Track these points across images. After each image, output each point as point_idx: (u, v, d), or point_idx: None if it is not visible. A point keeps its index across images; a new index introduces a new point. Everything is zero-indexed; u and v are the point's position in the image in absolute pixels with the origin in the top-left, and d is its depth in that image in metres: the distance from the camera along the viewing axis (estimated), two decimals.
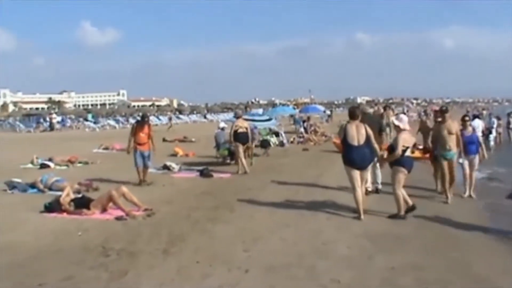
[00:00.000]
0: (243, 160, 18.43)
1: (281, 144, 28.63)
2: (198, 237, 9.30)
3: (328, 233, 9.42)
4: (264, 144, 24.59)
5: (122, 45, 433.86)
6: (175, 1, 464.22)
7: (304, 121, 37.60)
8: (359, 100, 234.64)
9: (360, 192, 10.80)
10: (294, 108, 53.02)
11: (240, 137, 18.54)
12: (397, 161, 10.79)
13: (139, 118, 18.32)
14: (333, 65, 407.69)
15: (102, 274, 7.31)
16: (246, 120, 20.62)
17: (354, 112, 11.19)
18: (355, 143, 10.70)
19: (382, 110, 20.28)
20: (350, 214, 10.91)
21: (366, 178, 11.53)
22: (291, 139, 30.99)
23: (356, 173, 10.77)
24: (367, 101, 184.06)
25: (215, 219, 10.67)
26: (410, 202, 10.86)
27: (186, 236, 9.34)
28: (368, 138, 10.76)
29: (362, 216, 10.62)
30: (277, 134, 29.23)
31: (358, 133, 10.73)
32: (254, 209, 11.69)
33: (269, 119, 21.72)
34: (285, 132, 30.82)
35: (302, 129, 35.49)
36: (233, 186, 14.84)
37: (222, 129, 22.40)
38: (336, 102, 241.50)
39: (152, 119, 58.22)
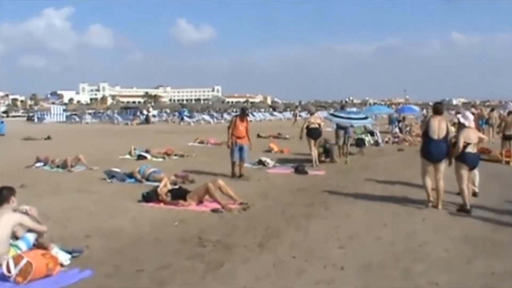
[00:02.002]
0: (315, 153, 19.19)
1: (376, 143, 28.29)
2: (294, 233, 9.26)
3: (425, 235, 9.19)
4: (359, 143, 24.33)
5: (217, 42, 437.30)
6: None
7: (399, 121, 37.08)
8: (454, 102, 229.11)
9: (429, 182, 11.48)
10: (389, 108, 52.34)
11: (312, 132, 19.31)
12: (458, 157, 11.18)
13: (238, 112, 18.44)
14: (428, 65, 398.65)
15: (199, 264, 7.39)
16: (343, 118, 20.54)
17: (438, 108, 11.84)
18: (435, 137, 11.19)
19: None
20: (447, 216, 10.69)
21: (441, 172, 11.53)
22: (386, 139, 30.57)
23: (430, 166, 11.42)
24: (463, 103, 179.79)
25: (310, 216, 10.61)
26: (468, 204, 11.11)
27: (282, 231, 9.33)
28: (447, 133, 11.25)
29: (430, 204, 11.43)
30: (372, 133, 28.91)
31: (439, 127, 11.18)
32: (349, 207, 11.57)
33: (366, 118, 21.46)
34: (379, 132, 30.46)
35: (397, 129, 35.00)
36: (328, 184, 14.72)
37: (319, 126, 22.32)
38: (431, 103, 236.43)
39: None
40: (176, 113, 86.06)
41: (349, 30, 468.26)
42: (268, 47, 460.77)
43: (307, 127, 19.43)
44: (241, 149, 16.06)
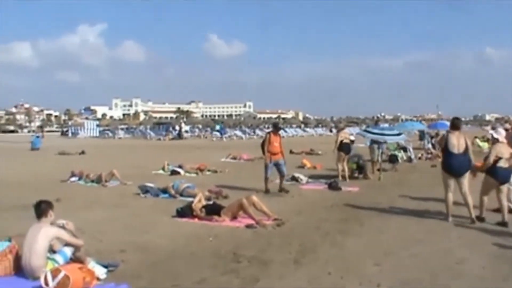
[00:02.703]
0: (345, 167, 19.72)
1: (409, 159, 28.08)
2: (329, 249, 9.20)
3: (461, 252, 9.07)
4: (392, 159, 24.21)
5: (248, 58, 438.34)
6: (300, 15, 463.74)
7: (432, 137, 36.80)
8: (487, 117, 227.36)
9: (451, 197, 11.63)
10: (422, 124, 51.96)
11: (344, 147, 19.81)
12: (489, 171, 11.46)
13: (270, 129, 18.47)
14: (460, 80, 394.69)
15: (234, 280, 7.38)
16: (376, 134, 20.48)
17: (456, 123, 11.94)
18: (455, 151, 11.41)
19: None
20: (483, 232, 10.54)
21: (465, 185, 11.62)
22: (419, 155, 30.34)
23: (452, 180, 11.57)
24: (496, 118, 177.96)
25: (345, 232, 10.55)
26: (483, 214, 11.62)
27: (317, 247, 9.28)
28: (466, 147, 11.45)
29: (450, 219, 11.55)
30: (405, 150, 28.71)
31: (458, 142, 11.43)
32: (383, 223, 11.49)
33: (399, 134, 21.32)
34: (412, 148, 30.24)
35: (429, 145, 34.77)
36: (362, 200, 14.63)
37: (351, 142, 22.23)
38: (463, 119, 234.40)
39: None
40: (209, 129, 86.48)
41: (380, 45, 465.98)
42: (299, 63, 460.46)
43: (341, 142, 19.77)
44: (276, 164, 16.15)
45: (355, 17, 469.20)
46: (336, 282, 7.26)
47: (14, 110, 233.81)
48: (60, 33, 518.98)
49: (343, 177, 19.04)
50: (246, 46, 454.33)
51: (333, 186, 16.95)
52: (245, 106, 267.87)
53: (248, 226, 10.81)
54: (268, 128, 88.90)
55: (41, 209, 7.82)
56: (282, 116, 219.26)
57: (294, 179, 18.61)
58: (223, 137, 67.53)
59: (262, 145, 16.56)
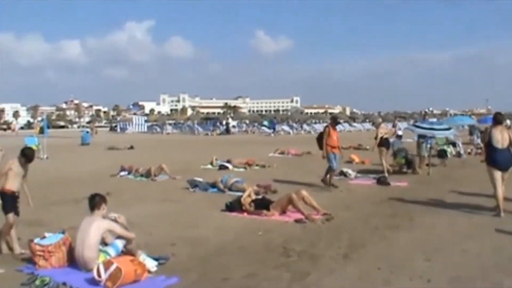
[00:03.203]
0: (385, 163, 19.13)
1: (458, 154, 27.67)
2: (378, 244, 9.16)
3: None
4: (441, 154, 23.90)
5: (295, 53, 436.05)
6: (347, 9, 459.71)
7: (481, 132, 36.20)
8: None
9: (500, 191, 11.55)
10: (471, 118, 51.22)
11: (385, 142, 19.52)
12: None
13: (329, 122, 18.31)
14: (510, 74, 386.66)
15: (284, 274, 7.38)
16: (425, 128, 20.29)
17: (499, 118, 11.99)
18: (499, 146, 11.47)
19: None
20: None
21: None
22: (468, 150, 29.90)
23: (498, 174, 11.60)
24: None
25: (394, 227, 10.48)
26: None
27: (366, 242, 9.24)
28: (510, 142, 11.47)
29: (502, 214, 11.39)
30: (454, 145, 28.31)
31: (502, 137, 11.49)
32: (433, 219, 11.33)
33: (449, 129, 21.01)
34: (461, 143, 29.81)
35: (479, 140, 34.25)
36: (411, 195, 14.48)
37: (399, 137, 22.08)
38: None
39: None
40: (256, 124, 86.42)
41: (428, 39, 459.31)
42: (346, 57, 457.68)
43: (381, 137, 19.51)
44: (336, 158, 16.14)
45: (401, 11, 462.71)
46: (386, 278, 7.21)
47: (64, 106, 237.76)
48: (108, 31, 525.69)
49: (388, 172, 18.88)
50: (293, 42, 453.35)
51: (381, 181, 16.84)
52: (292, 101, 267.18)
53: (297, 221, 10.81)
54: (315, 123, 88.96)
55: (95, 202, 7.98)
56: (329, 111, 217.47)
57: (342, 174, 18.51)
58: (273, 133, 67.43)
59: (319, 139, 16.47)
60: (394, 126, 24.86)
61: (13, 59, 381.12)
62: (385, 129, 20.45)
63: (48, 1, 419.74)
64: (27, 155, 9.06)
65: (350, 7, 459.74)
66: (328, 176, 16.09)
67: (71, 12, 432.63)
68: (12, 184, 8.79)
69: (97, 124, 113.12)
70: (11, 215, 8.73)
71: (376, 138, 19.59)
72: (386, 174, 18.25)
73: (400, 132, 23.20)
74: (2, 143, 8.33)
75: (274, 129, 70.51)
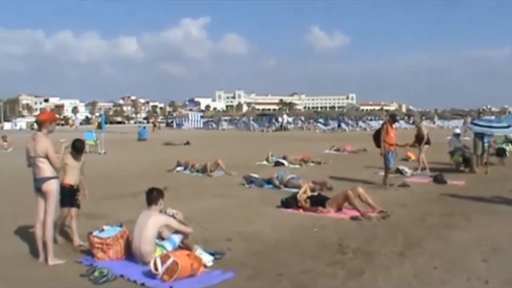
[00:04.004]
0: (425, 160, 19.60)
1: None
2: (434, 242, 9.05)
3: None
4: (500, 152, 23.44)
5: (350, 49, 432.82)
6: (402, 5, 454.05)
7: None
8: None
9: None
10: None
11: (428, 140, 19.85)
12: None
13: (387, 118, 18.14)
14: None
15: (339, 271, 7.37)
16: (483, 126, 20.01)
17: None
18: None
19: None
20: None
21: None
22: None
23: None
24: None
25: (451, 226, 10.35)
26: None
27: (422, 240, 9.15)
28: None
29: None
30: None
31: None
32: (491, 218, 11.13)
33: (508, 126, 20.58)
34: None
35: None
36: (468, 194, 14.25)
37: (457, 135, 21.76)
38: None
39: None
40: (312, 121, 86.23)
41: (485, 34, 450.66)
42: (402, 54, 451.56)
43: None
44: (393, 156, 16.04)
45: (458, 7, 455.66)
46: (442, 277, 7.14)
47: (121, 102, 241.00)
48: (164, 27, 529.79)
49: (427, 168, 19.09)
50: (348, 38, 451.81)
51: (438, 179, 16.63)
52: (347, 98, 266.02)
53: (353, 218, 10.78)
54: (371, 120, 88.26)
55: (153, 196, 8.11)
56: (385, 108, 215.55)
57: (398, 171, 18.35)
58: (326, 129, 67.24)
59: (376, 136, 16.28)
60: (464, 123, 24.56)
61: (72, 56, 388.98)
62: (427, 128, 20.40)
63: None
64: (76, 147, 9.32)
65: (407, 2, 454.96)
66: (387, 173, 15.95)
67: (127, 9, 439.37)
68: (70, 178, 9.02)
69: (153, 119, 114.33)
70: (65, 209, 9.00)
71: (420, 137, 19.47)
72: (428, 171, 18.43)
73: (458, 131, 22.75)
74: (65, 137, 8.51)
75: (339, 125, 70.23)
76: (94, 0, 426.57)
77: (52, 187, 8.07)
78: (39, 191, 8.13)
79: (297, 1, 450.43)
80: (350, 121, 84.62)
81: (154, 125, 70.57)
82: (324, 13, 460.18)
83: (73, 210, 9.14)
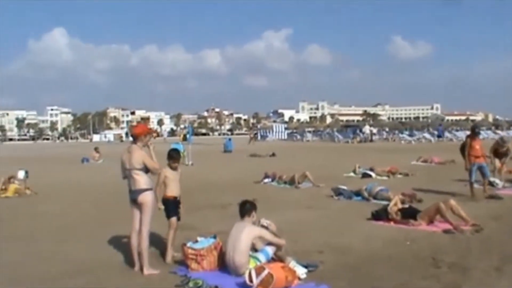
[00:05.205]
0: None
1: None
2: None
3: None
4: None
5: (434, 58, 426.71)
6: (482, 12, 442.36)
7: None
8: None
9: None
10: None
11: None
12: None
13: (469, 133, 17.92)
14: None
15: (435, 285, 7.26)
16: None
17: None
18: None
19: None
20: None
21: None
22: None
23: None
24: None
25: None
26: None
27: None
28: None
29: None
30: None
31: None
32: None
33: None
34: None
35: None
36: None
37: None
38: None
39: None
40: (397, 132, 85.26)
41: None
42: (489, 61, 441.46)
43: None
44: (480, 168, 15.76)
45: None
46: None
47: (205, 114, 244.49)
48: (247, 40, 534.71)
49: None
50: (431, 46, 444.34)
51: None
52: (432, 108, 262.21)
53: (446, 231, 10.57)
54: (457, 131, 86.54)
55: (246, 208, 8.22)
56: (471, 118, 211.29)
57: (489, 183, 17.94)
58: (411, 140, 66.41)
59: (462, 149, 16.19)
60: None
61: (157, 69, 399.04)
62: None
63: (189, 13, 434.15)
64: (172, 156, 9.46)
65: (491, 8, 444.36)
66: (472, 187, 15.69)
67: (210, 23, 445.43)
68: (172, 190, 9.19)
69: (237, 131, 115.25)
70: (174, 219, 9.14)
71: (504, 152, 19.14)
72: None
73: None
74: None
75: (440, 136, 68.83)
76: (179, 14, 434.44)
77: (147, 199, 8.27)
78: (134, 202, 8.35)
79: (377, 11, 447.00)
80: (435, 132, 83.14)
81: (251, 138, 71.63)
82: (405, 22, 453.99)
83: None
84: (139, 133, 8.54)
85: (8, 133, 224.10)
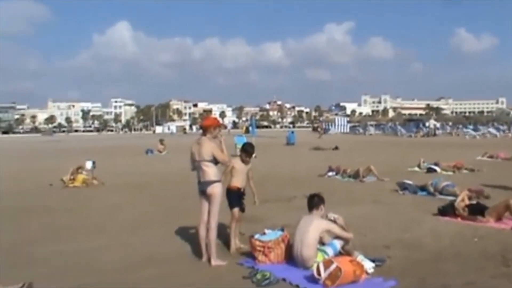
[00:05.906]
0: None
1: None
2: None
3: None
4: None
5: (499, 51, 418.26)
6: None
7: None
8: None
9: None
10: None
11: None
12: None
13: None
14: None
15: (506, 284, 7.15)
16: None
17: None
18: None
19: None
20: None
21: None
22: None
23: None
24: None
25: None
26: None
27: None
28: None
29: None
30: None
31: None
32: None
33: None
34: None
35: None
36: None
37: None
38: None
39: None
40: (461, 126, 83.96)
41: None
42: None
43: None
44: None
45: None
46: None
47: (267, 106, 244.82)
48: (308, 33, 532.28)
49: None
50: (497, 39, 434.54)
51: None
52: (497, 102, 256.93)
53: None
54: None
55: (314, 202, 8.29)
56: None
57: None
58: (476, 135, 65.33)
59: None
60: None
61: (219, 62, 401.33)
62: None
63: (250, 7, 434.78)
64: (246, 150, 9.58)
65: None
66: None
67: (272, 16, 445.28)
68: (237, 180, 9.32)
69: (299, 124, 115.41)
70: (236, 210, 9.27)
71: None
72: None
73: None
74: None
75: None
76: (241, 8, 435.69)
77: (216, 190, 8.40)
78: (203, 194, 8.49)
79: (440, 3, 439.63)
80: (501, 126, 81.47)
81: (320, 131, 71.99)
82: (469, 15, 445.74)
83: (239, 212, 9.44)
84: (209, 125, 8.67)
85: (74, 125, 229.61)
